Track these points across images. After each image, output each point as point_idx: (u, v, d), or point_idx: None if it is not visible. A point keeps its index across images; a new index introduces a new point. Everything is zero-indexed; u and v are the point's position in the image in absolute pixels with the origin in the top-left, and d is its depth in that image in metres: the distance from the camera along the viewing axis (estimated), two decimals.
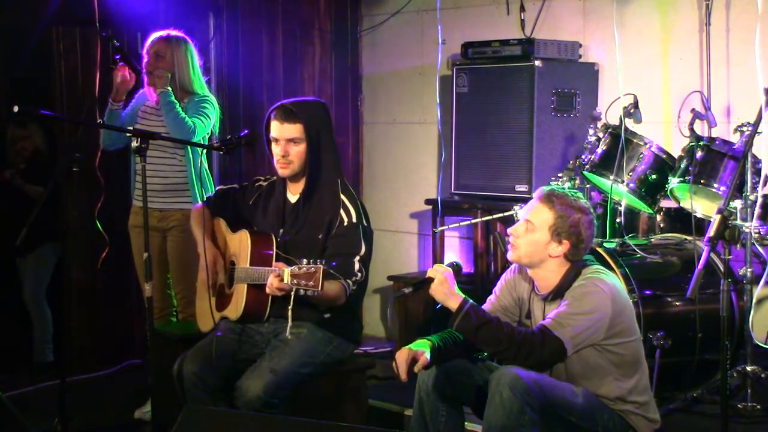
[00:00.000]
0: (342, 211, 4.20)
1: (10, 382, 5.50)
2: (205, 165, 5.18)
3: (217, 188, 4.61)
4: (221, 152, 4.30)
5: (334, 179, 4.26)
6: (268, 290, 3.96)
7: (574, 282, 3.67)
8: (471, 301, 3.64)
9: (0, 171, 6.17)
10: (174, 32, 5.13)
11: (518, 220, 3.84)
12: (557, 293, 3.71)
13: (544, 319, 3.69)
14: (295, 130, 4.19)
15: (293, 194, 4.32)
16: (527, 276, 3.85)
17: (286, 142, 4.19)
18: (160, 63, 5.04)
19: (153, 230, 5.01)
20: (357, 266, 4.13)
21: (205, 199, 4.55)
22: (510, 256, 3.81)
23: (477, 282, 5.72)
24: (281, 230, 4.28)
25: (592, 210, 3.79)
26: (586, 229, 3.70)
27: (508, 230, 3.81)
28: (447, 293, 3.64)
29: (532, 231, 3.72)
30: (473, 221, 5.46)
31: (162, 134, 4.68)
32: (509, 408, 3.45)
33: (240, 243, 4.29)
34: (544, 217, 3.72)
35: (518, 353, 3.54)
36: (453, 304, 3.62)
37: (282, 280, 3.90)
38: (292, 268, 3.84)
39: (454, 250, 6.28)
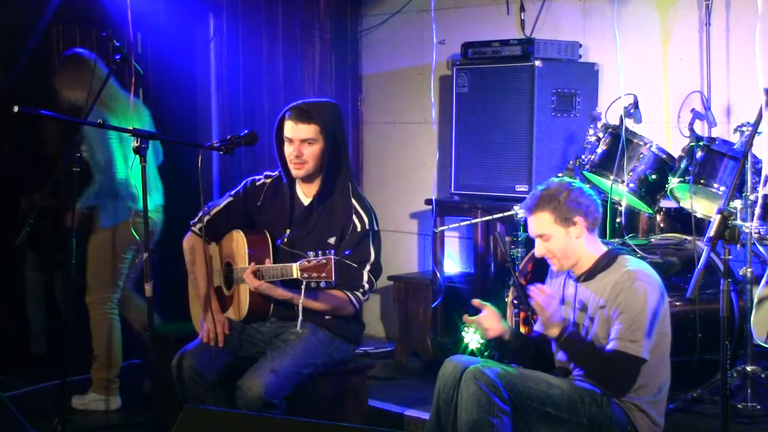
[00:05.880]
0: (355, 218, 4.20)
1: (10, 382, 5.50)
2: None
3: (209, 214, 4.37)
4: (221, 152, 4.29)
5: (346, 183, 4.26)
6: (252, 287, 4.01)
7: (610, 266, 3.77)
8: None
9: (29, 194, 6.09)
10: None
11: (532, 237, 3.91)
12: (590, 274, 3.80)
13: (575, 300, 3.81)
14: (309, 130, 4.17)
15: (306, 196, 4.30)
16: (561, 274, 3.94)
17: (299, 142, 4.18)
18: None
19: None
20: (366, 277, 4.16)
21: (197, 229, 4.37)
22: (557, 269, 3.90)
23: (477, 282, 5.72)
24: (288, 230, 4.28)
25: (573, 180, 3.89)
26: (580, 197, 3.78)
27: (537, 254, 3.88)
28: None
29: (549, 239, 3.79)
30: (473, 221, 5.46)
31: (161, 134, 4.67)
32: (477, 400, 3.54)
33: (236, 244, 4.28)
34: (545, 221, 3.78)
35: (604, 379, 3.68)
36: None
37: (259, 276, 3.97)
38: (301, 261, 3.85)
39: (454, 250, 6.28)
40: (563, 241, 3.77)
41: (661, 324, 3.70)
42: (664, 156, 4.82)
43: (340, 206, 4.22)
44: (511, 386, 3.59)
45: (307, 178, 4.27)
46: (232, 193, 4.45)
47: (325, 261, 3.80)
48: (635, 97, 4.84)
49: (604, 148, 4.88)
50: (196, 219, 4.39)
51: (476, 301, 3.91)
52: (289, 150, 4.20)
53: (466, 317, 3.89)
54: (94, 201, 5.15)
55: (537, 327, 4.05)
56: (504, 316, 4.52)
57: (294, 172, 4.22)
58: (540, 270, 4.30)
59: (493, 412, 3.53)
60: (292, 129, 4.18)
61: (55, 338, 6.15)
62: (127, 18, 5.66)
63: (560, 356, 3.85)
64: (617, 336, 3.64)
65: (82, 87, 5.04)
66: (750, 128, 4.37)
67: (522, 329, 4.60)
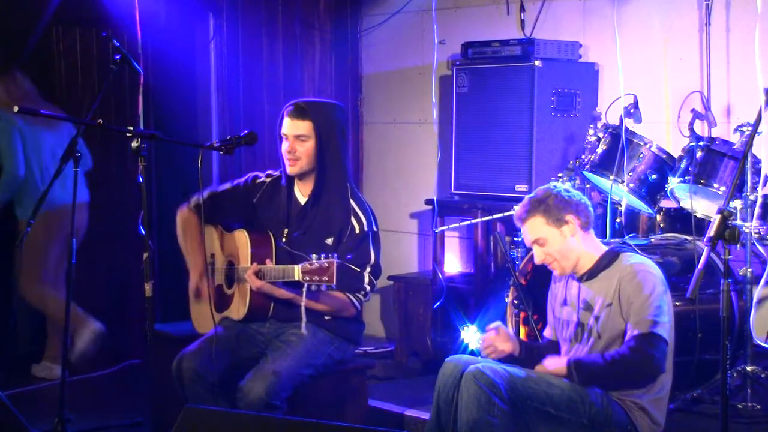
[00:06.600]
0: (353, 219, 4.20)
1: (10, 382, 5.50)
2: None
3: (209, 192, 4.43)
4: (221, 152, 4.29)
5: (344, 184, 4.26)
6: (254, 287, 4.03)
7: (612, 264, 3.78)
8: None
9: None
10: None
11: (530, 248, 3.92)
12: (592, 273, 3.81)
13: (578, 300, 3.81)
14: (302, 127, 4.19)
15: (303, 195, 4.31)
16: (563, 277, 3.94)
17: (293, 138, 4.20)
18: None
19: None
20: (367, 278, 4.17)
21: (192, 205, 4.41)
22: (559, 273, 3.91)
23: (477, 282, 5.72)
24: (286, 230, 4.28)
25: (556, 184, 3.95)
26: (568, 197, 3.81)
27: (537, 262, 3.89)
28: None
29: (545, 242, 3.80)
30: (473, 221, 5.46)
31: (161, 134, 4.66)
32: (477, 401, 3.55)
33: (238, 243, 4.28)
34: (538, 225, 3.80)
35: (626, 375, 3.68)
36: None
37: (261, 277, 3.99)
38: (303, 264, 3.87)
39: (454, 250, 6.28)
40: (559, 242, 3.78)
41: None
42: (664, 156, 4.82)
43: (337, 207, 4.22)
44: (511, 386, 3.60)
45: (303, 177, 4.27)
46: (235, 182, 4.48)
47: (327, 264, 3.81)
48: (635, 97, 4.84)
49: (604, 148, 4.88)
50: (192, 198, 4.42)
51: (492, 327, 3.92)
52: (284, 146, 4.23)
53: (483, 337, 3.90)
54: (6, 195, 5.50)
55: (546, 333, 4.07)
56: (504, 315, 4.54)
57: (288, 169, 4.24)
58: (540, 270, 4.30)
59: (493, 412, 3.55)
60: (286, 125, 4.22)
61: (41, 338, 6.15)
62: (128, 18, 5.67)
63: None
64: (632, 325, 3.67)
65: (10, 99, 5.47)
66: (750, 128, 4.37)
67: (522, 329, 4.60)
